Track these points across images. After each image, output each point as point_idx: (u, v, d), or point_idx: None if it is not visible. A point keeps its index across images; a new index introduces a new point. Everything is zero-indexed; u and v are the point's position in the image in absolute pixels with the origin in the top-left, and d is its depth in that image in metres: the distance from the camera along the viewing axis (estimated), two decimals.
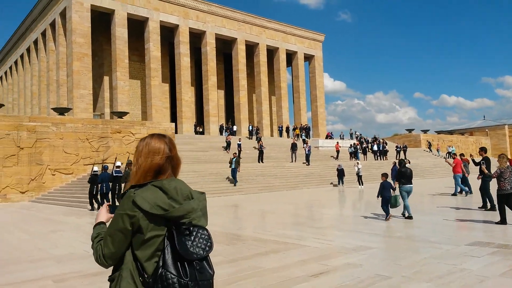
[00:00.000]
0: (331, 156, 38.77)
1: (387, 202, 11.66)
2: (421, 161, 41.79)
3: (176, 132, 36.61)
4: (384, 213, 12.05)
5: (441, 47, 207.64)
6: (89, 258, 7.54)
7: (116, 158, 20.64)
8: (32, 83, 49.45)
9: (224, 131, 43.74)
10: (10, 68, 59.40)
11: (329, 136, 50.17)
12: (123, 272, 1.98)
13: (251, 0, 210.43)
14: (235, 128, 46.08)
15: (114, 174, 17.63)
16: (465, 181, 19.62)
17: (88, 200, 18.67)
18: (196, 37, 46.49)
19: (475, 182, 16.75)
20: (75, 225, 13.40)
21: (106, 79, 42.27)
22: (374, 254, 7.55)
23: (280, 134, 49.49)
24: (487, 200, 13.50)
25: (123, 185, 16.54)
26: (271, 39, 51.61)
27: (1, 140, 24.13)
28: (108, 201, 17.63)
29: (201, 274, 1.94)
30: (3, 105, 30.09)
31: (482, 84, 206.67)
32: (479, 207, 14.06)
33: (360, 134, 51.19)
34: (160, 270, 1.91)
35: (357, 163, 28.67)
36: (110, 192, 17.73)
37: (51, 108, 34.09)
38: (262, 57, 50.54)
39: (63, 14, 39.42)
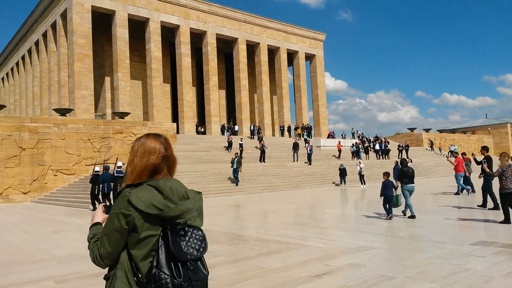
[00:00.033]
0: (333, 156, 38.70)
1: (389, 201, 11.63)
2: (423, 160, 41.70)
3: (177, 132, 36.60)
4: (387, 212, 12.00)
5: (442, 45, 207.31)
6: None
7: (117, 158, 20.65)
8: (33, 84, 49.52)
9: (225, 131, 43.71)
10: (12, 69, 59.51)
11: (331, 136, 50.10)
12: (117, 271, 1.98)
13: (252, 0, 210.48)
14: (236, 128, 46.04)
15: (115, 174, 17.62)
16: (467, 180, 19.56)
17: (90, 200, 18.68)
18: (197, 37, 46.47)
19: (477, 181, 16.69)
20: (77, 226, 13.39)
21: (107, 79, 42.29)
22: (378, 254, 7.50)
23: (282, 134, 49.44)
24: (491, 199, 13.44)
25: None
26: (272, 39, 51.56)
27: (3, 141, 24.17)
28: (110, 201, 17.62)
29: (195, 274, 1.92)
30: (5, 106, 30.13)
31: (484, 83, 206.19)
32: (478, 205, 14.03)
33: (362, 133, 51.10)
34: (154, 270, 1.91)
35: (359, 162, 28.61)
36: (111, 192, 17.72)
37: (53, 109, 34.13)
38: (263, 56, 50.51)
39: (64, 15, 39.45)
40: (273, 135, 52.12)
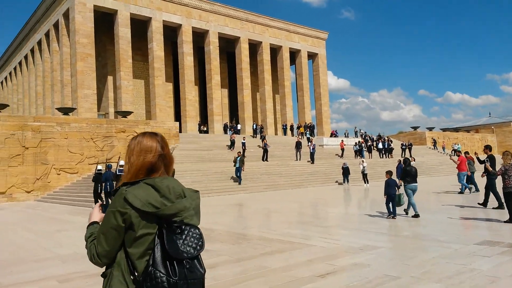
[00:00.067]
0: (336, 154, 38.62)
1: (392, 199, 11.59)
2: (427, 159, 41.57)
3: (180, 131, 36.59)
4: (389, 211, 11.96)
5: (445, 44, 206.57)
6: None
7: (119, 157, 20.66)
8: (36, 83, 49.63)
9: (228, 129, 43.69)
10: (15, 69, 59.66)
11: (333, 134, 49.99)
12: (114, 270, 1.98)
13: None
14: (239, 126, 46.00)
15: (117, 173, 17.64)
16: (470, 179, 19.48)
17: (93, 199, 18.71)
18: (199, 36, 46.43)
19: (480, 180, 16.61)
20: (80, 225, 13.39)
21: (110, 79, 42.34)
22: (382, 253, 7.46)
23: (285, 133, 49.39)
24: (495, 198, 13.37)
25: None
26: (274, 38, 51.46)
27: (7, 140, 24.22)
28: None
29: (191, 273, 1.91)
30: (8, 105, 30.20)
31: (487, 81, 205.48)
32: (479, 203, 13.98)
33: (365, 132, 51.01)
34: (150, 268, 1.90)
35: (362, 161, 28.53)
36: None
37: (56, 108, 34.19)
38: (265, 55, 50.43)
39: (66, 15, 39.49)
40: (276, 134, 52.07)
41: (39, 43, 48.09)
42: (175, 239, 1.92)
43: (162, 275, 1.87)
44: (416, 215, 11.69)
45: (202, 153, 30.83)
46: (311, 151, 32.55)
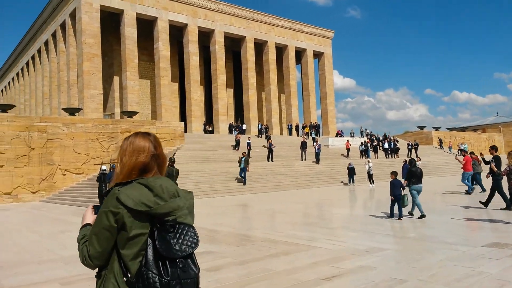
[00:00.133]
0: (341, 155, 38.43)
1: (398, 200, 11.48)
2: (433, 159, 41.25)
3: (185, 131, 36.61)
4: (394, 212, 11.84)
5: (452, 42, 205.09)
6: None
7: None
8: (43, 83, 49.94)
9: (233, 129, 43.63)
10: (22, 69, 60.09)
11: (339, 134, 49.76)
12: (107, 272, 1.96)
13: None
14: (244, 126, 45.93)
15: None
16: (476, 179, 19.28)
17: (98, 200, 18.72)
18: (205, 36, 46.45)
19: (486, 180, 16.40)
20: None
21: (116, 79, 42.48)
22: (388, 256, 7.34)
23: (290, 133, 49.25)
24: (502, 199, 13.17)
25: None
26: (280, 37, 51.34)
27: (13, 141, 24.34)
28: None
29: (184, 272, 1.88)
30: (15, 106, 30.36)
31: (494, 80, 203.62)
32: (480, 201, 13.81)
33: (371, 132, 50.70)
34: (142, 269, 1.88)
35: (368, 161, 28.34)
36: None
37: (62, 109, 34.36)
38: (271, 55, 50.34)
39: (72, 15, 39.69)
40: (281, 134, 51.95)
41: (46, 43, 48.38)
42: (168, 238, 1.90)
43: (154, 275, 1.85)
44: (422, 216, 11.55)
45: (207, 153, 30.81)
46: (317, 151, 32.41)
